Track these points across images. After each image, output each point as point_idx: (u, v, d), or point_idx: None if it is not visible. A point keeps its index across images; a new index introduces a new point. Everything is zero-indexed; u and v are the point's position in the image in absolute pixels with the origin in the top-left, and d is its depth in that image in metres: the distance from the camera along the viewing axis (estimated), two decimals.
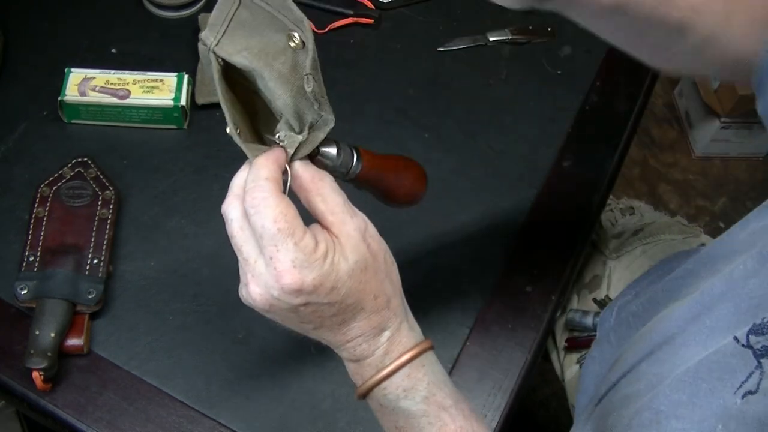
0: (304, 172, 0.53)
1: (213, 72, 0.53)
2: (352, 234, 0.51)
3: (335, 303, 0.51)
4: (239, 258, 0.52)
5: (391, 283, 0.55)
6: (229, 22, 0.53)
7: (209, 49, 0.53)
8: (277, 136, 0.53)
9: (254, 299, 0.51)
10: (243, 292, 0.53)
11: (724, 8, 0.61)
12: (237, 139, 0.53)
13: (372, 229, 0.54)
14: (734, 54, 0.62)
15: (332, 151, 0.56)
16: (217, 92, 0.53)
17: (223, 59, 0.53)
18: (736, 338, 0.52)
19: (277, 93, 0.52)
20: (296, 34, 0.51)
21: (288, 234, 0.49)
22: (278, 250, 0.49)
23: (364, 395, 0.56)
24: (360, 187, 0.61)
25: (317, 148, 0.55)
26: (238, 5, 0.52)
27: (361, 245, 0.52)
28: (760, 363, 0.50)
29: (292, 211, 0.50)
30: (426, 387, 0.55)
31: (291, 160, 0.53)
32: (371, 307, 0.53)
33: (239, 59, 0.52)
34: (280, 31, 0.51)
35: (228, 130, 0.53)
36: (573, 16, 0.62)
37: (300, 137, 0.53)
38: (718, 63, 0.64)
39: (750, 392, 0.49)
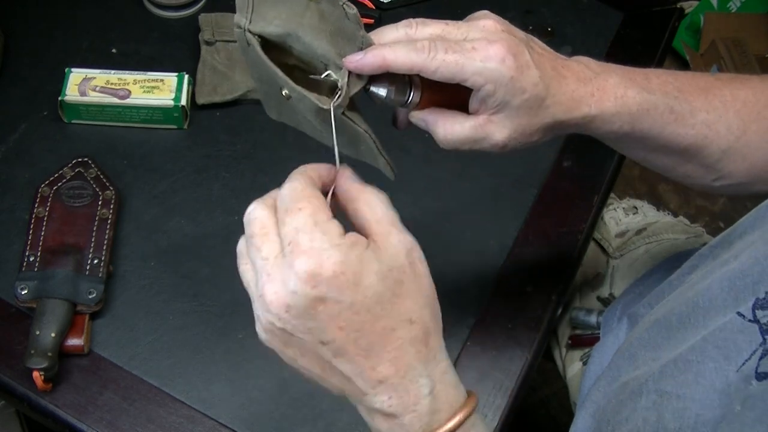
0: (353, 182, 0.51)
1: (255, 49, 0.54)
2: (394, 244, 0.48)
3: (360, 308, 0.45)
4: (257, 266, 0.47)
5: (433, 317, 0.49)
6: (253, 0, 0.54)
7: (244, 30, 0.54)
8: (324, 75, 0.53)
9: (270, 302, 0.45)
10: (258, 328, 0.49)
11: (740, 122, 0.63)
12: (300, 89, 0.53)
13: (420, 254, 0.49)
14: (753, 161, 0.64)
15: (383, 86, 0.55)
16: (265, 63, 0.54)
17: (259, 35, 0.54)
18: (740, 314, 0.52)
19: (315, 44, 0.53)
20: None
21: (309, 215, 0.46)
22: (298, 232, 0.45)
23: None
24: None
25: (367, 85, 0.55)
26: None
27: (402, 258, 0.47)
28: (765, 339, 0.50)
29: (320, 199, 0.47)
30: None
31: (346, 95, 0.53)
32: (404, 333, 0.47)
33: (273, 29, 0.54)
34: None
35: (285, 92, 0.54)
36: (594, 135, 0.64)
37: (346, 71, 0.53)
38: (743, 174, 0.65)
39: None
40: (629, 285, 0.91)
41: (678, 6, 1.10)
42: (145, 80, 0.88)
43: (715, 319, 0.55)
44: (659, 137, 0.62)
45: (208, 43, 0.93)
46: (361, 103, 0.57)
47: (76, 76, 0.87)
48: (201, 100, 0.90)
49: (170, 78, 0.88)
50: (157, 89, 0.87)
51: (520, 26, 1.12)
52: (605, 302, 0.96)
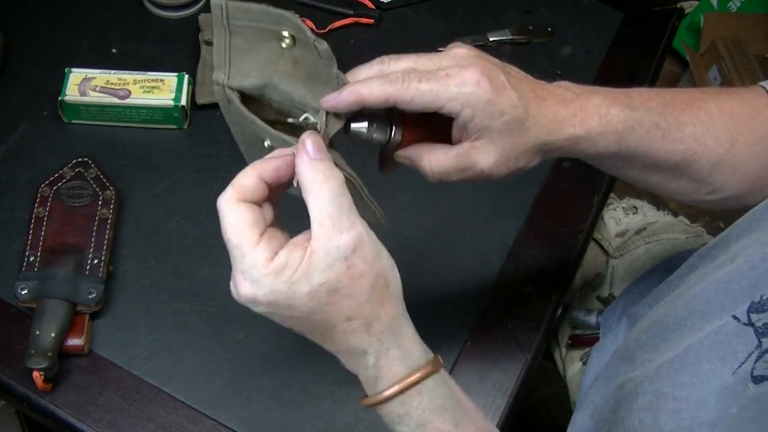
0: (307, 172, 0.49)
1: (235, 103, 0.55)
2: (331, 251, 0.48)
3: (299, 317, 0.50)
4: None
5: (376, 307, 0.51)
6: (229, 55, 0.54)
7: (224, 86, 0.55)
8: (302, 118, 0.54)
9: (233, 296, 0.51)
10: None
11: (728, 134, 0.63)
12: (284, 136, 0.54)
13: (366, 250, 0.50)
14: (744, 173, 0.64)
15: (362, 125, 0.56)
16: (245, 116, 0.55)
17: (238, 89, 0.55)
18: (735, 317, 0.52)
19: (290, 90, 0.54)
20: (284, 32, 0.52)
21: (235, 246, 0.49)
22: (234, 258, 0.50)
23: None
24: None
25: (347, 124, 0.55)
26: (230, 35, 0.54)
27: (337, 266, 0.49)
28: (760, 342, 0.50)
29: (242, 221, 0.49)
30: (420, 414, 0.53)
31: (325, 136, 0.53)
32: (344, 329, 0.51)
33: (250, 81, 0.55)
34: (270, 40, 0.53)
35: (267, 144, 0.55)
36: (581, 158, 0.63)
37: (323, 113, 0.53)
38: (735, 187, 0.65)
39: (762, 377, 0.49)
40: (629, 285, 0.91)
41: (678, 6, 1.10)
42: (145, 80, 0.88)
43: (711, 321, 0.55)
44: (647, 155, 0.62)
45: (208, 43, 0.93)
46: (348, 150, 0.57)
47: (76, 76, 0.87)
48: (201, 100, 0.90)
49: (170, 78, 0.88)
50: (157, 89, 0.87)
51: (521, 26, 1.13)
52: (605, 302, 0.97)
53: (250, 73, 0.55)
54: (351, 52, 0.99)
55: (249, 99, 0.56)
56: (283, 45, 0.52)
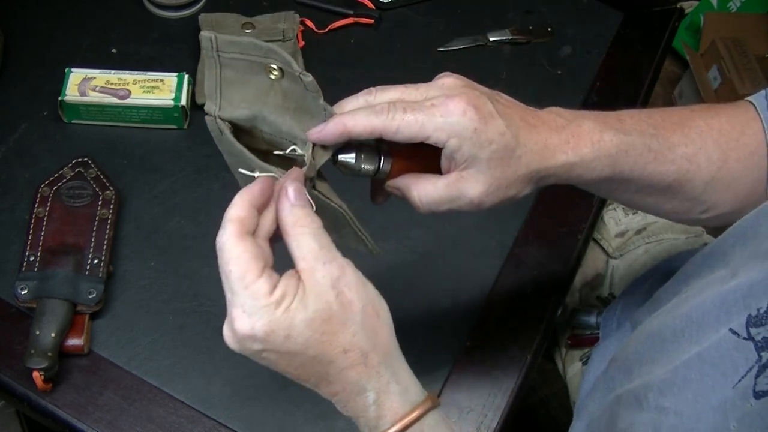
0: (288, 216, 0.51)
1: (226, 134, 0.56)
2: (319, 281, 0.49)
3: (296, 353, 0.50)
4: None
5: (371, 336, 0.51)
6: (220, 87, 0.55)
7: (215, 117, 0.56)
8: (288, 150, 0.55)
9: (227, 343, 0.51)
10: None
11: (719, 151, 0.63)
12: (273, 168, 0.54)
13: (351, 279, 0.51)
14: (737, 189, 0.64)
15: (350, 156, 0.56)
16: (236, 147, 0.55)
17: (229, 121, 0.56)
18: (733, 331, 0.52)
19: (279, 122, 0.55)
20: (273, 65, 0.52)
21: (238, 278, 0.49)
22: (232, 294, 0.49)
23: None
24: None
25: (335, 155, 0.55)
26: (220, 67, 0.54)
27: (328, 293, 0.49)
28: (760, 357, 0.50)
29: (247, 254, 0.49)
30: None
31: (312, 167, 0.54)
32: (342, 362, 0.50)
33: (240, 113, 0.55)
34: (260, 72, 0.53)
35: (256, 174, 0.55)
36: (575, 184, 0.63)
37: (310, 144, 0.54)
38: (729, 204, 0.65)
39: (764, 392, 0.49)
40: (629, 285, 0.91)
41: (678, 6, 1.10)
42: (145, 80, 0.88)
43: (708, 335, 0.54)
44: (641, 177, 0.62)
45: None
46: (341, 186, 0.57)
47: (76, 76, 0.87)
48: (201, 100, 0.90)
49: (170, 78, 0.88)
50: (157, 89, 0.87)
51: (521, 26, 1.12)
52: (605, 302, 0.97)
53: (240, 104, 0.55)
54: (351, 52, 0.99)
55: (242, 130, 0.57)
56: (272, 77, 0.53)
